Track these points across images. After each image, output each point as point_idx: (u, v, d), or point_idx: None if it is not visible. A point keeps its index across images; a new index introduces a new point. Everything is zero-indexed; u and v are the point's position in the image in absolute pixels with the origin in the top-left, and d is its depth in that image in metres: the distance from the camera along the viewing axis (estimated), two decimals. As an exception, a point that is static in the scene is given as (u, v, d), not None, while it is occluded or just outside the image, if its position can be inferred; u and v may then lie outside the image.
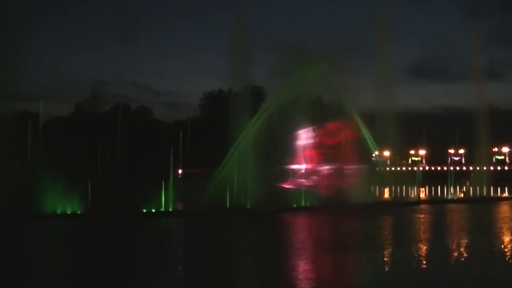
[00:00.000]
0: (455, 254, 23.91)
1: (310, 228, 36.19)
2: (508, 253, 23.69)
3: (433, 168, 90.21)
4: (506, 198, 63.70)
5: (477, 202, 57.07)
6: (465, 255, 23.78)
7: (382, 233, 31.80)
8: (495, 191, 66.68)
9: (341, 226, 34.79)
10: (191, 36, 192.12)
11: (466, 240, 28.11)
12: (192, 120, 72.78)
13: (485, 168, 68.61)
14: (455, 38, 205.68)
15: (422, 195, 65.18)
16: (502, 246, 25.69)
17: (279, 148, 49.39)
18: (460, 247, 25.70)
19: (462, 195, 64.99)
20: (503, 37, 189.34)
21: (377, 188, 59.02)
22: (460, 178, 70.32)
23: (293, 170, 54.17)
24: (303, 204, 47.15)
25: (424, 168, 74.17)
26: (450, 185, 63.61)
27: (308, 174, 54.09)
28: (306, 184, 51.36)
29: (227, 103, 51.87)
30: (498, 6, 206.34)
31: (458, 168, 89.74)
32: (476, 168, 70.16)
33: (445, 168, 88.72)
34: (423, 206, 52.47)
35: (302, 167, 54.88)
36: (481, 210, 48.94)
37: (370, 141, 54.98)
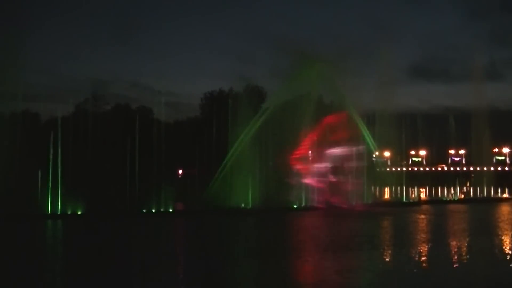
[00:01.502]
0: (458, 255, 23.85)
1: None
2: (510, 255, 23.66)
3: (452, 169, 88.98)
4: (506, 199, 63.68)
5: (478, 203, 56.99)
6: (468, 256, 23.70)
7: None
8: (496, 192, 66.61)
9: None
10: (191, 36, 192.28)
11: (469, 241, 28.03)
12: (192, 120, 72.74)
13: (485, 168, 68.54)
14: (455, 38, 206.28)
15: (422, 195, 65.10)
16: (505, 247, 25.63)
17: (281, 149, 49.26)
18: (465, 249, 25.66)
19: (462, 195, 64.95)
20: (503, 37, 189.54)
21: (378, 188, 58.87)
22: (460, 178, 70.20)
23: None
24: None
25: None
26: (451, 185, 63.48)
27: (306, 174, 53.50)
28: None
29: (227, 104, 51.74)
30: (498, 6, 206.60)
31: (458, 168, 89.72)
32: (476, 169, 70.07)
33: (445, 169, 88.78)
34: (425, 206, 52.32)
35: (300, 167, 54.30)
36: (482, 211, 48.81)
37: (370, 141, 54.77)
